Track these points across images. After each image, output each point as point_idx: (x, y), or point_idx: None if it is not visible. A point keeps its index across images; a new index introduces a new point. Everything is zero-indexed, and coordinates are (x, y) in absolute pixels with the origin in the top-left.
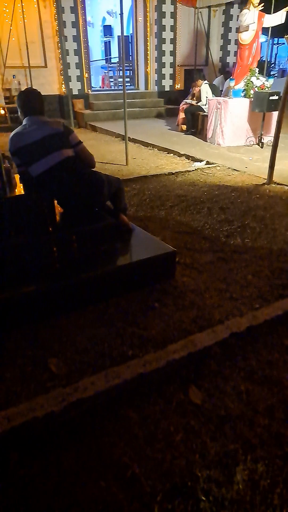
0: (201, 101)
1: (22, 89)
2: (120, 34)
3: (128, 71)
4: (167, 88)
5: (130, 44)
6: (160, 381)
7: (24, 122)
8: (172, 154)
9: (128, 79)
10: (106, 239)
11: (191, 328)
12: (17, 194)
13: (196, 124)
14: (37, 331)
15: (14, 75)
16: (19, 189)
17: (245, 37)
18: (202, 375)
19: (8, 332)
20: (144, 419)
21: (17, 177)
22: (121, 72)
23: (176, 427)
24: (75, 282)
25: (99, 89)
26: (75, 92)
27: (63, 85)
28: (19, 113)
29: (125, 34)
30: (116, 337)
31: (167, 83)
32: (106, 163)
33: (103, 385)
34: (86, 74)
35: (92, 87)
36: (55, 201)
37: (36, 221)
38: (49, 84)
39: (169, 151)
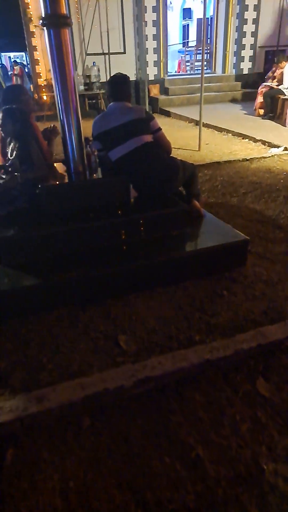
0: (282, 84)
1: (101, 76)
2: (199, 17)
3: (206, 54)
4: (245, 71)
5: (209, 26)
6: (227, 369)
7: (107, 108)
8: (247, 140)
9: (205, 63)
10: (178, 224)
11: (262, 319)
12: (96, 177)
13: (275, 108)
14: (109, 308)
15: (94, 62)
16: (98, 173)
17: None
18: (271, 368)
19: (83, 307)
20: (210, 404)
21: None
22: (198, 56)
23: (242, 416)
24: (146, 264)
25: (175, 73)
26: (151, 77)
27: (140, 71)
28: (107, 98)
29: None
30: (183, 320)
31: (245, 66)
32: (178, 148)
33: (170, 366)
34: (163, 59)
35: (168, 72)
36: (131, 185)
37: (112, 204)
38: (126, 70)
39: (244, 136)
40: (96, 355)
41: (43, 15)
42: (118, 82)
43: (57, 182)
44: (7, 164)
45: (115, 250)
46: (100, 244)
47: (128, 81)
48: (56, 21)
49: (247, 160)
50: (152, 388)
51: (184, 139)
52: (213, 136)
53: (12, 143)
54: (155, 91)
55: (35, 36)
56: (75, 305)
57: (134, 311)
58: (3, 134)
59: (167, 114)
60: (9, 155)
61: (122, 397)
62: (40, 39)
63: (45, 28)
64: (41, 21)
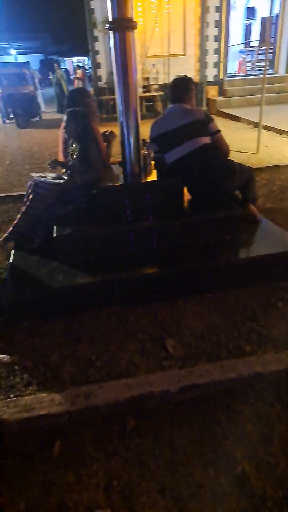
0: None
1: (160, 78)
2: (263, 16)
3: (269, 54)
4: None
5: (274, 25)
6: (279, 385)
7: (166, 110)
8: None
9: (267, 63)
10: (233, 228)
11: None
12: (150, 179)
13: None
14: (157, 310)
15: (153, 64)
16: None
17: None
18: None
19: (132, 307)
20: (259, 419)
21: (152, 163)
22: (260, 56)
23: None
24: (197, 269)
25: (234, 74)
26: (210, 79)
27: (199, 72)
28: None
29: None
30: (234, 329)
31: None
32: (235, 151)
33: (218, 376)
34: (223, 60)
35: (227, 73)
36: (185, 188)
37: (166, 206)
38: (185, 72)
39: None
40: (143, 357)
41: (110, 19)
42: (178, 84)
43: (112, 184)
44: (68, 165)
45: (166, 253)
46: (152, 246)
47: (189, 83)
48: (122, 25)
49: None
50: (198, 396)
51: (241, 142)
52: (272, 139)
53: (73, 145)
54: (213, 92)
55: (98, 40)
56: (124, 305)
57: (183, 316)
58: (66, 136)
59: (225, 115)
60: (70, 156)
61: (167, 401)
62: (103, 43)
63: (110, 32)
64: (107, 25)
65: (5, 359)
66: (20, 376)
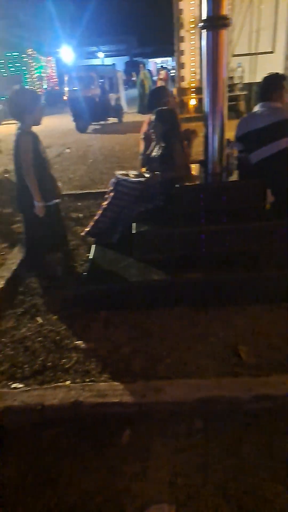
0: None
1: (245, 77)
2: None
3: None
4: None
5: None
6: None
7: (256, 108)
8: None
9: None
10: None
11: None
12: (232, 180)
13: None
14: (231, 315)
15: (239, 63)
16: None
17: None
18: None
19: (204, 309)
20: None
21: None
22: None
23: None
24: (276, 276)
25: None
26: None
27: (287, 70)
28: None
29: None
30: None
31: None
32: None
33: None
34: None
35: None
36: (269, 190)
37: (247, 207)
38: (273, 70)
39: None
40: (214, 360)
41: (204, 18)
42: (268, 82)
43: (192, 183)
44: (150, 163)
45: (244, 256)
46: (230, 248)
47: (280, 81)
48: (216, 23)
49: None
50: (270, 408)
51: None
52: None
53: (157, 143)
54: None
55: (184, 41)
56: (196, 306)
57: (258, 324)
58: (153, 136)
59: None
60: (152, 154)
61: (237, 408)
62: (188, 44)
63: (203, 30)
64: (201, 23)
65: (82, 345)
66: (95, 363)
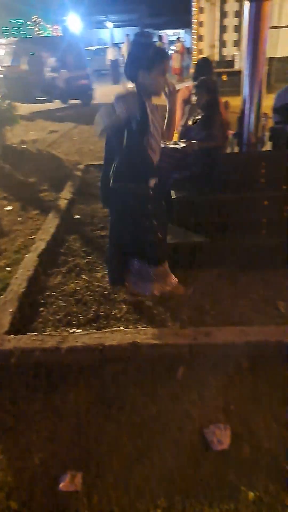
0: None
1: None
2: None
3: None
4: None
5: None
6: None
7: None
8: None
9: None
10: None
11: None
12: (268, 149)
13: None
14: (268, 276)
15: None
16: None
17: None
18: None
19: (242, 271)
20: None
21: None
22: None
23: None
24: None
25: None
26: None
27: None
28: None
29: None
30: None
31: None
32: None
33: None
34: None
35: None
36: None
37: (282, 176)
38: None
39: None
40: (255, 313)
41: None
42: None
43: (231, 152)
44: (187, 131)
45: (281, 223)
46: (265, 214)
47: None
48: None
49: None
50: None
51: None
52: None
53: (195, 112)
54: None
55: (204, 12)
56: (235, 268)
57: None
58: (196, 106)
59: None
60: (189, 122)
61: (281, 351)
62: (208, 15)
63: (246, 1)
64: None
65: (130, 298)
66: (145, 313)
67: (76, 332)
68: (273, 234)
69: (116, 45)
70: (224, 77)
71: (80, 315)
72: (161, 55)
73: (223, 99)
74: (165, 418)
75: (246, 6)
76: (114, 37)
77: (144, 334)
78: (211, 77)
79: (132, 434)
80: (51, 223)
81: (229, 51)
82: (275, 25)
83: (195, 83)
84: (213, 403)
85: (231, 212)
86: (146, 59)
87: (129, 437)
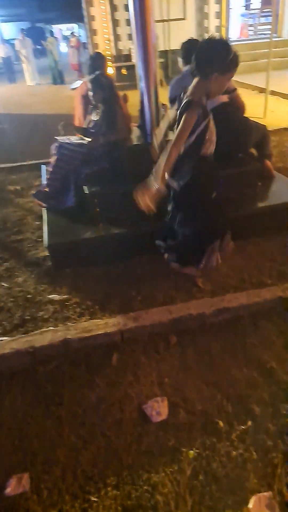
0: None
1: (159, 44)
2: None
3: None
4: None
5: None
6: None
7: (184, 70)
8: None
9: (270, 26)
10: (251, 182)
11: None
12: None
13: None
14: None
15: None
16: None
17: None
18: None
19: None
20: (281, 332)
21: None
22: (262, 19)
23: None
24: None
25: (237, 39)
26: None
27: (200, 37)
28: (179, 62)
29: None
30: (255, 269)
31: None
32: None
33: (246, 300)
34: (225, 24)
35: (229, 38)
36: None
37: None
38: (186, 37)
39: None
40: (178, 292)
41: None
42: (192, 45)
43: (136, 144)
44: (90, 127)
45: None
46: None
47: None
48: None
49: None
50: (230, 318)
51: (247, 107)
52: (278, 104)
53: (96, 108)
54: None
55: (93, 5)
56: (156, 253)
57: None
58: (94, 102)
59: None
60: (91, 118)
61: (203, 322)
62: (99, 9)
63: None
64: None
65: (56, 297)
66: (73, 310)
67: (3, 340)
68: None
69: (7, 42)
70: (124, 71)
71: (4, 322)
72: (237, 63)
73: (122, 93)
74: (105, 404)
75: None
76: (2, 33)
77: (75, 330)
78: (104, 73)
79: (74, 425)
80: None
81: (125, 45)
82: (166, 18)
83: (90, 79)
84: (148, 380)
85: None
86: (225, 63)
87: (71, 429)
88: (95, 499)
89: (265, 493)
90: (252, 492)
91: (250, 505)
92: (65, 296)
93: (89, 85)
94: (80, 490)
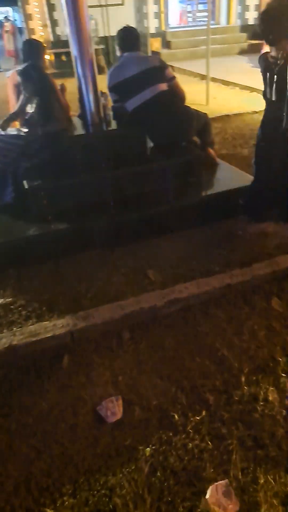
0: None
1: (99, 30)
2: None
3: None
4: (251, 22)
5: None
6: (246, 292)
7: (121, 58)
8: (255, 93)
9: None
10: (194, 171)
11: (275, 253)
12: (113, 129)
13: None
14: (135, 249)
15: (91, 15)
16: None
17: None
18: (284, 290)
19: (111, 249)
20: (231, 318)
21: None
22: (199, 5)
23: (259, 326)
24: (166, 210)
25: (176, 26)
26: (152, 30)
27: (139, 24)
28: (116, 50)
29: None
30: (204, 257)
31: (251, 16)
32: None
33: (196, 290)
34: (164, 9)
35: (169, 24)
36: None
37: (130, 153)
38: (125, 23)
39: (252, 89)
40: (129, 286)
41: None
42: (130, 32)
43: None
44: (26, 118)
45: (136, 198)
46: (121, 192)
47: (137, 32)
48: None
49: (256, 112)
50: (181, 308)
51: (190, 94)
52: (220, 90)
53: (30, 99)
54: (156, 45)
55: None
56: (103, 248)
57: (158, 251)
58: (26, 95)
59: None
60: (27, 109)
61: (155, 315)
62: None
63: None
64: None
65: None
66: (18, 313)
67: None
68: (133, 209)
69: None
70: (63, 58)
71: None
72: None
73: (59, 82)
74: (57, 410)
75: None
76: None
77: (21, 335)
78: (34, 63)
79: (25, 436)
80: None
81: (62, 30)
82: (103, 3)
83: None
84: (102, 380)
85: (88, 194)
86: None
87: (22, 440)
88: (51, 511)
89: (222, 481)
90: (209, 481)
91: (207, 495)
92: (9, 299)
93: (18, 78)
94: (35, 503)
